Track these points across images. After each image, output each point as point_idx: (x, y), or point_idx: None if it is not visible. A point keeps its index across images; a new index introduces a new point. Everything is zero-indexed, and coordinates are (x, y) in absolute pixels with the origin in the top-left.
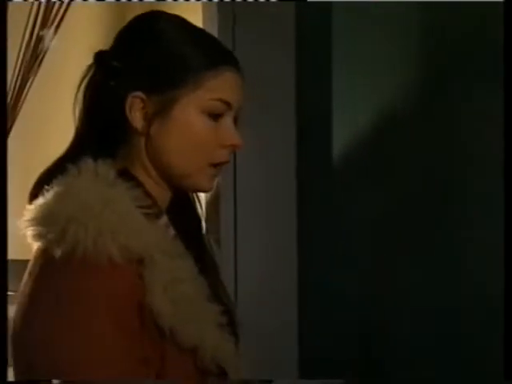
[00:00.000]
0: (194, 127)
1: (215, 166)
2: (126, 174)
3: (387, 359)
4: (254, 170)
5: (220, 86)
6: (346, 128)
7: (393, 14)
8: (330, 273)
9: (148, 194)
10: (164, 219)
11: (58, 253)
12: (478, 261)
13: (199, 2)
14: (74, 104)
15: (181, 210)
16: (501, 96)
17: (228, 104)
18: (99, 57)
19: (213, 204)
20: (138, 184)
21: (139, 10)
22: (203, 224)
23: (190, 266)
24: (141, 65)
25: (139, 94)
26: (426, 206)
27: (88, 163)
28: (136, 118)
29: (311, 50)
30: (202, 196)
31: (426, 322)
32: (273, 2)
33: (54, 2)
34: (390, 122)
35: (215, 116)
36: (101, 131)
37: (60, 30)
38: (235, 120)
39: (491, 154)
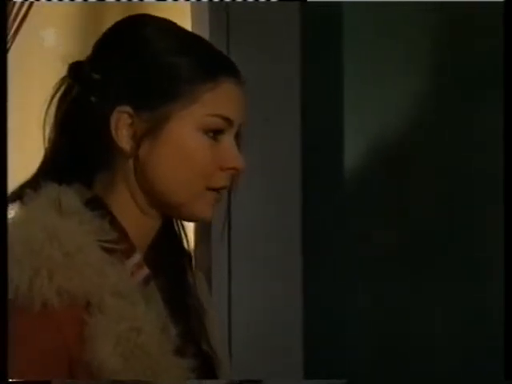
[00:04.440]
0: (190, 147)
1: (215, 190)
2: (95, 203)
3: (390, 358)
4: (253, 192)
5: (219, 100)
6: (357, 144)
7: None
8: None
9: (118, 227)
10: (136, 257)
11: None
12: (478, 264)
13: (188, 3)
14: (45, 122)
15: (163, 245)
16: (501, 97)
17: (228, 120)
18: (75, 69)
19: (202, 232)
20: (106, 214)
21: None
22: (191, 261)
23: (157, 314)
24: (126, 76)
25: (127, 108)
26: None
27: (50, 189)
28: (123, 138)
29: (319, 55)
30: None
31: (426, 321)
32: (273, 2)
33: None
34: (404, 136)
35: (214, 134)
36: (78, 154)
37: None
38: (237, 138)
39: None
